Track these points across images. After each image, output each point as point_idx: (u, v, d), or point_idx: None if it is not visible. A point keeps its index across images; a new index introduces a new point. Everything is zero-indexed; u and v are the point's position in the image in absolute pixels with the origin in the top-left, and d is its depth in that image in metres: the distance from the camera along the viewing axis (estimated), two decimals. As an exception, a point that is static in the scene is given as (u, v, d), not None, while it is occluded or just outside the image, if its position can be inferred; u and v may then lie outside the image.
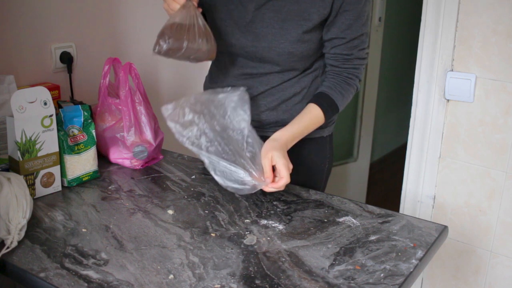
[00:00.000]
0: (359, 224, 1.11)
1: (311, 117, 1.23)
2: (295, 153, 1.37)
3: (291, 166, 1.14)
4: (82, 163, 1.30)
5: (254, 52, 1.24)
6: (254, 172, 1.12)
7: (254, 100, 1.31)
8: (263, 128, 1.37)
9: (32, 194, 1.21)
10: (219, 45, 1.33)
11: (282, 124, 1.34)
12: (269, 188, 1.12)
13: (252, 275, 0.92)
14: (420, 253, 1.00)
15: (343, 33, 1.20)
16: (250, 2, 1.21)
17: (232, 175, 1.12)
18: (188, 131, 1.17)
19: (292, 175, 1.35)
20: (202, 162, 1.45)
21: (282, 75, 1.27)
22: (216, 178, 1.13)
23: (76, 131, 1.29)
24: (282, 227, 1.09)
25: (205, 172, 1.33)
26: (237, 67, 1.30)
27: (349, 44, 1.22)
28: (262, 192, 1.20)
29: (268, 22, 1.20)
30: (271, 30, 1.20)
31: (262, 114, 1.33)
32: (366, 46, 1.26)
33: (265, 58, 1.24)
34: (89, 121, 1.32)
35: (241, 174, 1.11)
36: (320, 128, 1.36)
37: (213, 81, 1.38)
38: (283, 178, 1.12)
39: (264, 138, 1.38)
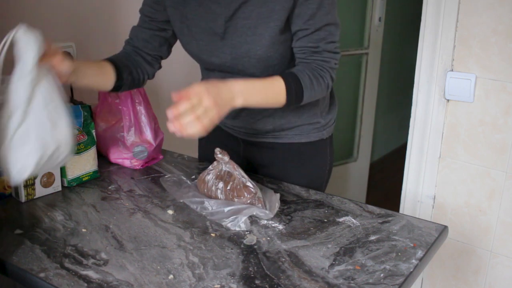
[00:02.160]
0: (359, 224, 1.11)
1: (272, 82, 1.12)
2: (296, 156, 1.37)
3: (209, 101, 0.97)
4: (82, 163, 1.30)
5: (235, 65, 1.21)
6: (238, 199, 1.15)
7: (248, 109, 1.29)
8: (260, 136, 1.36)
9: (32, 194, 1.21)
10: (202, 65, 1.31)
11: (279, 129, 1.33)
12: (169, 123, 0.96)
13: (252, 275, 0.92)
14: (420, 253, 1.00)
15: (306, 24, 1.15)
16: (219, 16, 1.17)
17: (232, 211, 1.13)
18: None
19: (293, 177, 1.35)
20: (202, 162, 1.45)
21: None
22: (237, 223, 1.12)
23: (76, 131, 1.29)
24: (282, 227, 1.09)
25: (205, 172, 1.33)
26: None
27: (314, 36, 1.16)
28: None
29: (241, 30, 1.16)
30: (245, 38, 1.17)
31: (259, 122, 1.31)
32: (335, 40, 1.18)
33: (245, 68, 1.21)
34: (89, 121, 1.32)
35: (234, 205, 1.13)
36: (319, 130, 1.35)
37: None
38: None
39: (261, 144, 1.37)
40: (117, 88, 1.24)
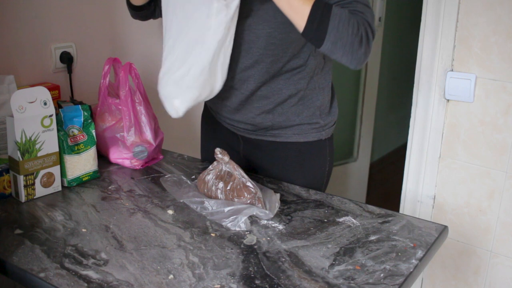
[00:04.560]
0: (359, 224, 1.11)
1: None
2: (294, 156, 1.37)
3: None
4: (82, 163, 1.30)
5: (236, 37, 1.19)
6: (237, 199, 1.15)
7: (248, 102, 1.29)
8: (258, 132, 1.36)
9: (32, 194, 1.21)
10: None
11: (278, 127, 1.33)
12: None
13: (252, 275, 0.92)
14: (420, 253, 1.00)
15: None
16: None
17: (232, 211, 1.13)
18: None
19: (292, 177, 1.35)
20: (202, 162, 1.45)
21: (268, 67, 1.23)
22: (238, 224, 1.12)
23: (76, 131, 1.29)
24: (282, 227, 1.09)
25: (205, 172, 1.33)
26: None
27: None
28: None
29: (250, 4, 1.16)
30: (250, 12, 1.16)
31: (258, 117, 1.31)
32: None
33: (245, 42, 1.20)
34: (89, 121, 1.32)
35: (234, 205, 1.13)
36: (318, 131, 1.35)
37: None
38: None
39: (260, 142, 1.38)
40: (144, 7, 1.35)
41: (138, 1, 1.34)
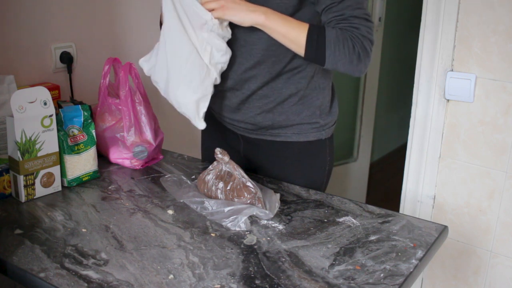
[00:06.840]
0: (359, 224, 1.11)
1: (296, 20, 1.15)
2: (294, 156, 1.37)
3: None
4: (82, 163, 1.30)
5: (235, 33, 1.20)
6: (237, 200, 1.15)
7: (248, 101, 1.30)
8: (259, 132, 1.36)
9: (32, 194, 1.21)
10: None
11: (278, 126, 1.33)
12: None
13: (252, 275, 0.92)
14: (420, 253, 1.00)
15: None
16: None
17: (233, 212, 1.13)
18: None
19: (292, 177, 1.35)
20: (202, 162, 1.45)
21: (269, 68, 1.24)
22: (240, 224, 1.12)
23: (76, 131, 1.29)
24: (282, 227, 1.09)
25: (205, 172, 1.33)
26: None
27: (340, 5, 1.14)
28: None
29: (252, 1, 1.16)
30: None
31: (258, 116, 1.32)
32: (363, 7, 1.15)
33: (248, 43, 1.21)
34: (89, 121, 1.32)
35: (234, 205, 1.13)
36: (318, 131, 1.35)
37: None
38: None
39: (260, 141, 1.38)
40: None
41: None
